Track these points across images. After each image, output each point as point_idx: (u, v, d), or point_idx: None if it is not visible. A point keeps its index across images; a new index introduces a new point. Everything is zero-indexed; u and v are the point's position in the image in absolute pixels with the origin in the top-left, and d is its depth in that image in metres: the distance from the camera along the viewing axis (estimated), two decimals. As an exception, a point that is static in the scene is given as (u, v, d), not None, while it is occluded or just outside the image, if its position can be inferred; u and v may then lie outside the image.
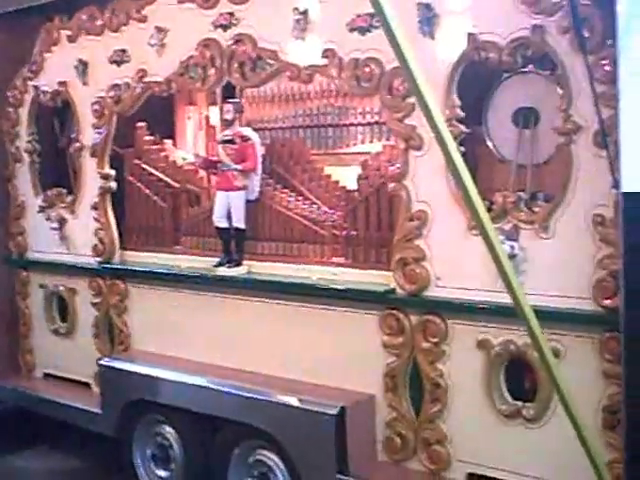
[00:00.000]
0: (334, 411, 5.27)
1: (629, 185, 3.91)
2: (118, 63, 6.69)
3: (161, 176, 6.75)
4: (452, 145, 3.72)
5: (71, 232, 7.25)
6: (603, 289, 4.41)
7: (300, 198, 5.94)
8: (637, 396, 4.09)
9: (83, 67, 6.98)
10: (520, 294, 3.95)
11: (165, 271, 6.55)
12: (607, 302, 4.39)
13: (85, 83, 7.00)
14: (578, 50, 4.29)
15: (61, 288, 7.40)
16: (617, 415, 4.39)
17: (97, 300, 7.07)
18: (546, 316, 4.37)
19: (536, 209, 4.73)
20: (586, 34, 4.31)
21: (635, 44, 3.85)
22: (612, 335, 4.35)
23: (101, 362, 6.72)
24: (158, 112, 6.93)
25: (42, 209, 7.45)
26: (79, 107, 7.06)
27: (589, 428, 4.25)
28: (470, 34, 4.78)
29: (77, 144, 7.09)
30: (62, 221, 7.27)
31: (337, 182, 5.84)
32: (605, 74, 4.19)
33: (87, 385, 7.13)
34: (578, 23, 4.15)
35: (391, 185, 5.26)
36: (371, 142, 5.91)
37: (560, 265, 4.60)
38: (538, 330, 3.97)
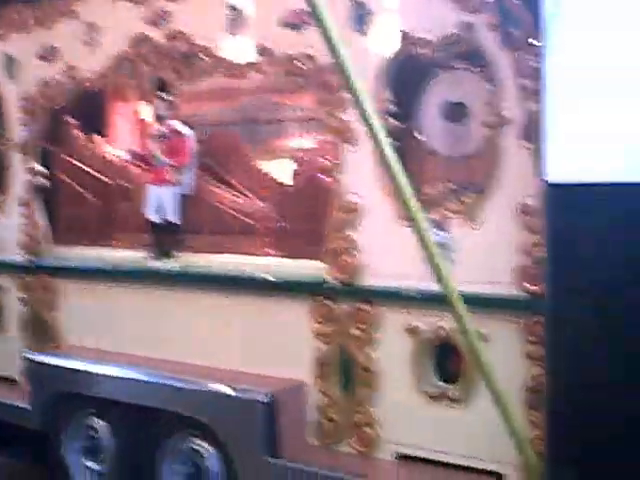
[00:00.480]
0: (265, 399, 5.31)
1: (553, 176, 4.05)
2: (48, 60, 6.64)
3: (92, 172, 6.71)
4: (384, 139, 3.88)
5: (0, 230, 7.18)
6: (528, 275, 4.53)
7: (233, 192, 5.97)
8: (557, 376, 4.19)
9: (11, 63, 6.93)
10: (448, 281, 4.11)
11: (96, 266, 6.51)
12: (532, 288, 4.50)
13: (13, 79, 6.95)
14: (506, 47, 4.42)
15: None
16: (539, 395, 4.52)
17: (25, 296, 7.00)
18: (475, 302, 4.53)
19: (465, 200, 4.83)
20: (514, 31, 4.43)
21: (559, 41, 3.99)
22: (536, 319, 4.49)
23: (28, 356, 6.63)
24: (89, 108, 6.89)
25: None
26: (7, 103, 7.01)
27: (514, 407, 4.43)
28: (402, 31, 4.88)
29: (5, 140, 7.03)
30: None
31: (270, 176, 5.88)
32: (531, 70, 4.31)
33: (14, 381, 7.03)
34: (505, 20, 4.30)
35: (322, 177, 5.37)
36: (305, 137, 5.98)
37: (488, 253, 4.71)
38: (465, 315, 4.16)
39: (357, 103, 3.93)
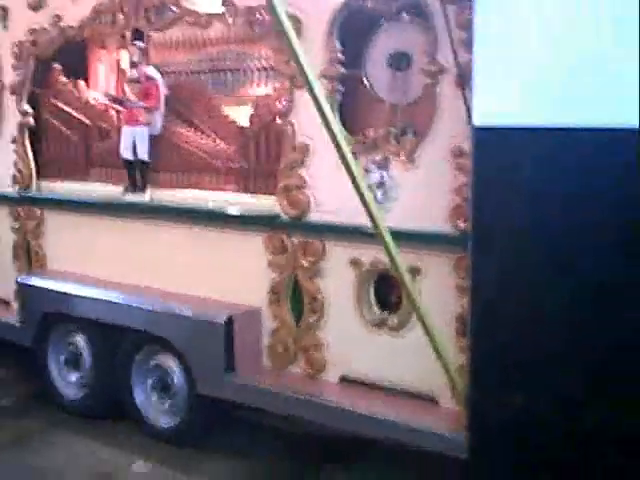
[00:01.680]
0: (223, 319, 5.17)
1: (478, 120, 3.78)
2: (35, 9, 6.31)
3: (74, 113, 6.40)
4: (317, 86, 3.64)
5: None
6: (459, 213, 4.34)
7: (199, 134, 5.68)
8: (479, 306, 3.99)
9: (3, 12, 6.59)
10: (378, 219, 3.92)
11: (77, 198, 6.25)
12: (462, 225, 4.30)
13: (5, 27, 6.60)
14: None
15: None
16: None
17: (16, 225, 6.73)
18: (411, 238, 4.46)
19: (404, 142, 4.60)
20: None
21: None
22: (466, 254, 4.21)
23: (19, 279, 6.45)
24: (73, 55, 6.53)
25: None
26: (0, 50, 6.65)
27: (445, 335, 4.32)
28: None
29: None
30: None
31: (232, 120, 5.58)
32: (465, 21, 4.06)
33: (7, 303, 6.81)
34: None
35: (277, 120, 5.10)
36: (264, 85, 5.63)
37: (424, 192, 4.52)
38: (394, 249, 3.96)
39: (291, 51, 3.69)
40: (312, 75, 3.72)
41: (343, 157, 3.79)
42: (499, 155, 3.76)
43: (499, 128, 3.71)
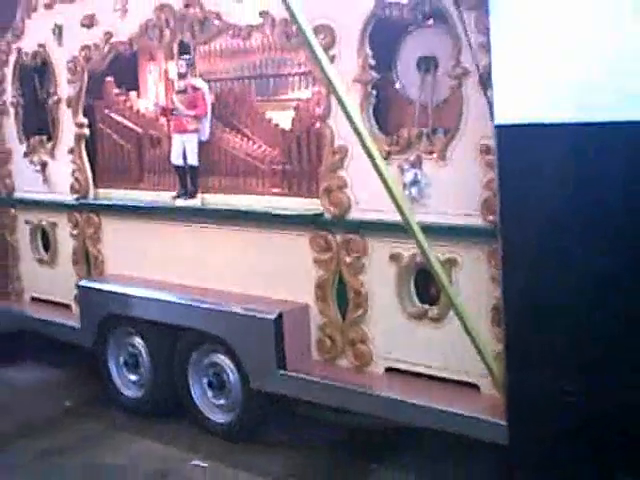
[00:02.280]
0: (273, 316, 5.51)
1: (500, 118, 4.16)
2: (88, 27, 6.75)
3: (127, 123, 6.84)
4: (342, 91, 4.03)
5: (51, 173, 7.35)
6: (489, 207, 4.62)
7: (244, 139, 6.07)
8: (512, 296, 4.32)
9: (59, 31, 7.04)
10: (409, 215, 4.29)
11: (132, 204, 6.70)
12: (492, 218, 4.57)
13: (61, 44, 7.06)
14: (465, 7, 4.47)
15: (44, 223, 7.52)
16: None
17: (75, 232, 7.20)
18: (445, 232, 4.80)
19: (435, 141, 4.93)
20: None
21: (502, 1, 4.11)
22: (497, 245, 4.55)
23: (80, 283, 6.91)
24: (124, 68, 7.00)
25: (26, 154, 7.55)
26: (56, 65, 7.13)
27: (482, 325, 4.65)
28: None
29: (55, 97, 7.17)
30: (44, 164, 7.38)
31: (276, 124, 5.95)
32: (485, 27, 4.34)
33: (68, 306, 7.29)
34: None
35: (317, 124, 5.46)
36: (304, 89, 6.04)
37: (456, 188, 4.82)
38: (425, 244, 4.31)
39: (315, 59, 4.10)
40: (338, 83, 4.13)
41: (372, 159, 4.20)
42: (520, 150, 4.13)
43: (518, 125, 4.09)
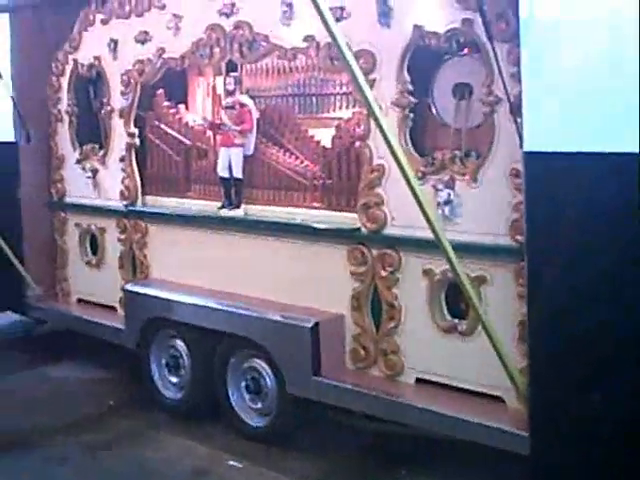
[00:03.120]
0: (310, 324, 5.79)
1: (528, 145, 4.48)
2: (142, 42, 7.08)
3: (175, 135, 7.16)
4: (380, 113, 4.33)
5: (102, 180, 7.68)
6: (517, 227, 4.86)
7: (287, 154, 6.38)
8: (536, 313, 4.61)
9: (114, 45, 7.37)
10: (441, 233, 4.57)
11: (178, 213, 7.03)
12: (520, 238, 4.81)
13: (115, 58, 7.38)
14: (497, 39, 4.72)
15: (93, 227, 7.84)
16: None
17: (122, 237, 7.52)
18: (476, 250, 5.09)
19: (468, 164, 5.21)
20: (503, 26, 4.80)
21: (532, 35, 4.42)
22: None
23: (126, 287, 7.24)
24: (174, 82, 7.34)
25: (78, 161, 7.87)
26: (110, 77, 7.45)
27: (508, 340, 4.89)
28: (416, 25, 5.26)
29: (108, 108, 7.49)
30: (95, 171, 7.71)
31: (317, 141, 6.25)
32: (516, 58, 4.61)
33: (113, 308, 7.62)
34: (485, 19, 4.59)
35: (357, 143, 5.74)
36: (345, 109, 6.32)
37: (486, 209, 5.10)
38: (455, 260, 4.58)
39: (355, 83, 4.40)
40: (376, 106, 4.45)
41: (407, 178, 4.52)
42: (547, 176, 4.45)
43: (545, 153, 4.42)
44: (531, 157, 4.49)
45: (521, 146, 4.58)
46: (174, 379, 6.95)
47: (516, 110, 4.67)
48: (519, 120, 4.63)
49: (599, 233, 4.35)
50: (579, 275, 4.43)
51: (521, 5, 4.44)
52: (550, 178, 4.45)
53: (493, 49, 4.71)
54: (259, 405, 6.34)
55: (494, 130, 5.05)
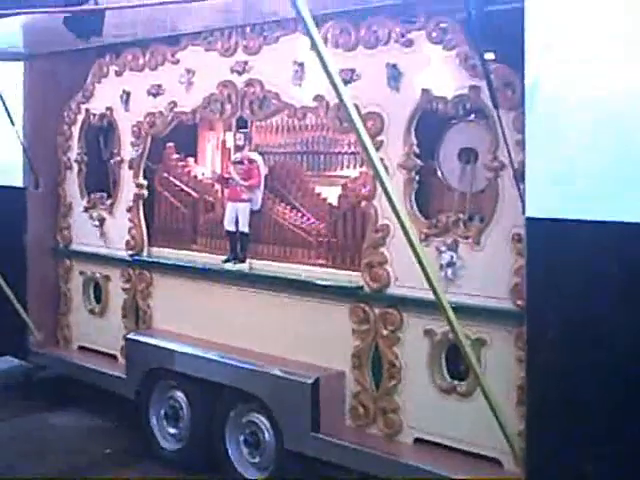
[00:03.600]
0: (310, 380, 5.86)
1: (530, 211, 4.62)
2: (154, 95, 7.24)
3: (184, 187, 7.31)
4: (385, 175, 4.45)
5: (108, 229, 7.78)
6: (518, 292, 4.97)
7: (294, 210, 6.52)
8: (535, 377, 4.71)
9: (126, 96, 7.53)
10: (441, 294, 4.67)
11: (183, 264, 7.12)
12: (521, 302, 4.92)
13: (127, 109, 7.54)
14: (503, 106, 4.89)
15: (97, 275, 7.93)
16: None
17: (127, 286, 7.61)
18: (476, 312, 5.19)
19: (471, 227, 5.33)
20: (509, 94, 4.97)
21: (537, 103, 4.56)
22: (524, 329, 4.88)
23: (128, 336, 7.33)
24: (184, 135, 7.48)
25: (86, 209, 7.98)
26: (121, 128, 7.60)
27: (507, 403, 4.97)
28: (424, 89, 5.42)
29: (118, 158, 7.62)
30: (102, 220, 7.82)
31: (324, 199, 6.41)
32: (521, 126, 4.76)
33: (114, 357, 7.70)
34: (491, 87, 4.78)
35: (363, 203, 5.86)
36: (352, 168, 6.49)
37: (488, 272, 5.21)
38: (456, 322, 4.67)
39: (362, 145, 4.54)
40: (382, 168, 4.59)
41: (409, 239, 4.63)
42: (548, 242, 4.57)
43: (547, 219, 4.55)
44: (533, 223, 4.62)
45: (523, 212, 4.72)
46: (172, 430, 7.02)
47: (519, 176, 4.82)
48: (522, 186, 4.78)
49: (599, 300, 4.46)
50: (578, 340, 4.53)
51: (526, 74, 4.60)
52: (551, 244, 4.58)
53: (498, 116, 4.88)
54: (257, 459, 6.39)
55: (498, 195, 5.18)
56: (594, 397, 4.50)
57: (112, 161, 7.81)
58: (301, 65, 6.15)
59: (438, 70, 5.43)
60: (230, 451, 6.51)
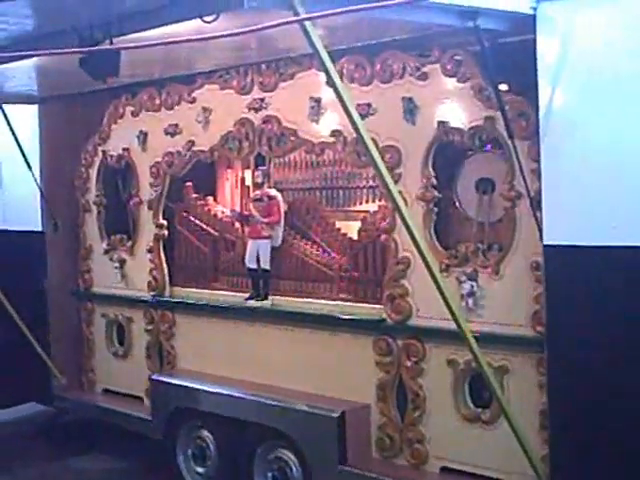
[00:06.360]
0: (336, 414, 6.09)
1: (548, 239, 4.89)
2: (172, 135, 7.50)
3: (204, 226, 7.54)
4: (404, 208, 4.67)
5: (129, 271, 8.04)
6: (538, 319, 5.21)
7: (314, 246, 6.74)
8: (557, 402, 4.96)
9: (143, 137, 7.78)
10: (463, 324, 4.92)
11: (205, 303, 7.35)
12: (541, 329, 5.16)
13: (144, 150, 7.78)
14: (518, 137, 5.13)
15: (120, 317, 8.20)
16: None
17: (150, 327, 7.86)
18: (498, 340, 5.42)
19: (490, 257, 5.56)
20: (524, 124, 5.19)
21: (551, 133, 4.86)
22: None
23: (152, 377, 7.57)
24: (203, 174, 7.72)
25: (106, 251, 8.24)
26: (139, 169, 7.86)
27: (530, 428, 5.20)
28: (440, 122, 5.65)
29: (137, 199, 7.90)
30: (122, 261, 8.08)
31: (344, 233, 6.62)
32: (536, 154, 5.02)
33: (140, 399, 7.92)
34: (506, 118, 5.05)
35: (383, 236, 6.10)
36: (371, 202, 6.67)
37: (508, 300, 5.45)
38: (478, 351, 4.93)
39: (380, 178, 4.80)
40: (401, 201, 4.83)
41: (430, 271, 4.89)
42: (566, 269, 4.85)
43: (565, 246, 4.83)
44: (551, 250, 4.90)
45: (541, 239, 4.98)
46: (200, 469, 7.25)
47: (536, 205, 5.08)
48: (539, 214, 5.04)
49: (617, 324, 4.71)
50: (598, 365, 4.77)
51: (540, 104, 4.88)
52: (570, 270, 4.85)
53: (514, 146, 5.14)
54: (286, 496, 6.58)
55: (515, 224, 5.42)
56: (615, 420, 4.72)
57: (131, 202, 8.07)
58: (317, 101, 6.40)
59: (453, 102, 5.68)
60: (258, 488, 6.69)
